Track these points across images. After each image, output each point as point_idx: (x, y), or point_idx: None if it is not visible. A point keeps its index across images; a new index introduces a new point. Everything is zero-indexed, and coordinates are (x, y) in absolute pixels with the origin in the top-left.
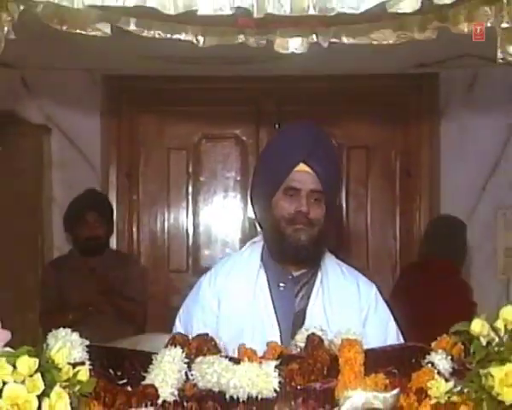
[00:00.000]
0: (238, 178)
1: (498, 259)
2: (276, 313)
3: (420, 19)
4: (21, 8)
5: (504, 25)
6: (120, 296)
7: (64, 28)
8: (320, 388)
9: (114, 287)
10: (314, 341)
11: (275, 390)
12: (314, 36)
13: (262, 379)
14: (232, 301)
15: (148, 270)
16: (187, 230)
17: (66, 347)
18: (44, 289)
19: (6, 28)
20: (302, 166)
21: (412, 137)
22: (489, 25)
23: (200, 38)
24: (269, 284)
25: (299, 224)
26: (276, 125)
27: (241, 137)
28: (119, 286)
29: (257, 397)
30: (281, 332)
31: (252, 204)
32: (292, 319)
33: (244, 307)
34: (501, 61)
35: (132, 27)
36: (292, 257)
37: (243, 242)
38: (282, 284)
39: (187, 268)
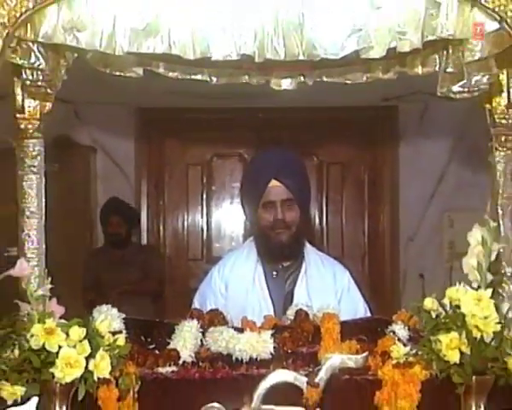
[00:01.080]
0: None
1: (444, 251)
2: (270, 294)
3: (384, 63)
4: (75, 55)
5: (449, 69)
6: (141, 278)
7: (107, 70)
8: (306, 351)
9: (137, 271)
10: (301, 315)
11: (271, 353)
12: (302, 77)
13: (260, 345)
14: (236, 285)
15: (164, 256)
16: (202, 227)
17: (108, 319)
18: (85, 272)
19: (63, 71)
20: (274, 182)
21: (377, 155)
22: (436, 69)
23: (214, 78)
24: (264, 273)
25: (279, 229)
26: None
27: (243, 156)
28: (141, 270)
29: (256, 358)
30: (274, 309)
31: (244, 212)
32: (283, 299)
33: (246, 290)
34: (441, 94)
35: (161, 70)
36: (277, 254)
37: (245, 236)
38: (274, 273)
39: (202, 257)
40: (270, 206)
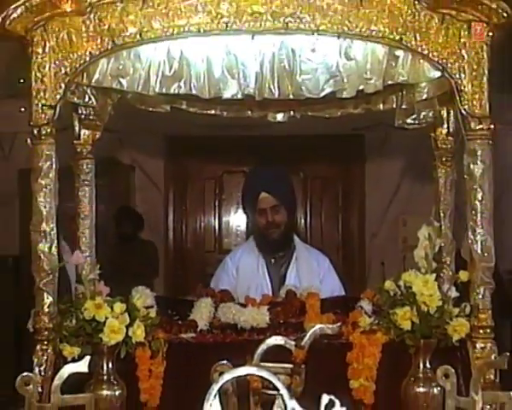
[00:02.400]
0: None
1: (399, 244)
2: (270, 276)
3: (354, 102)
4: (119, 95)
5: (404, 106)
6: (142, 263)
7: (143, 107)
8: (294, 322)
9: (140, 258)
10: (290, 293)
11: (267, 323)
12: (291, 111)
13: (259, 316)
14: (244, 270)
15: (158, 249)
16: (214, 227)
17: (142, 297)
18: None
19: (109, 108)
20: (263, 194)
21: (349, 172)
22: (394, 106)
23: (224, 113)
24: (265, 261)
25: (271, 229)
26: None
27: (246, 172)
28: (143, 257)
29: (256, 327)
30: (272, 287)
31: (246, 216)
32: (278, 280)
33: (251, 273)
34: (397, 125)
35: (183, 106)
36: (272, 248)
37: (247, 234)
38: (272, 260)
39: (214, 249)
40: (263, 212)
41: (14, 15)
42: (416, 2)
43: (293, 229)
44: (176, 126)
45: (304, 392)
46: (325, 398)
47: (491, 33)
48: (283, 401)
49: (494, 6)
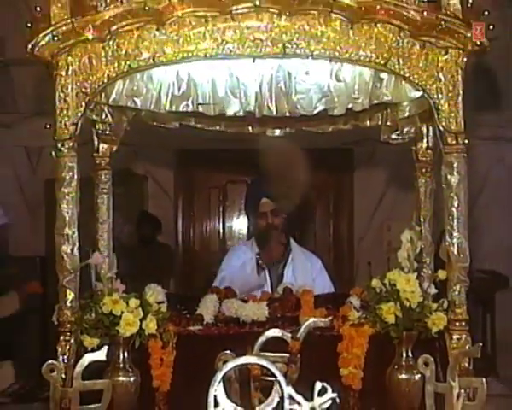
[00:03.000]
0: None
1: (384, 246)
2: (269, 274)
3: (344, 119)
4: (133, 113)
5: (388, 123)
6: (159, 264)
7: (155, 123)
8: (291, 316)
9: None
10: (287, 290)
11: (266, 317)
12: (288, 127)
13: (259, 311)
14: (244, 268)
15: (174, 250)
16: (219, 230)
17: (155, 293)
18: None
19: (124, 124)
20: (264, 200)
21: (339, 182)
22: (379, 123)
23: (227, 128)
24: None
25: (272, 230)
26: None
27: (248, 182)
28: (159, 259)
29: (256, 320)
30: (271, 284)
31: (248, 220)
32: (276, 277)
33: (250, 270)
34: (383, 140)
35: (191, 123)
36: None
37: (248, 236)
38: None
39: (219, 251)
40: (263, 215)
41: (42, 42)
42: (400, 31)
43: (290, 230)
44: (184, 141)
45: (299, 379)
46: (318, 385)
47: (465, 59)
48: (280, 386)
49: (469, 35)
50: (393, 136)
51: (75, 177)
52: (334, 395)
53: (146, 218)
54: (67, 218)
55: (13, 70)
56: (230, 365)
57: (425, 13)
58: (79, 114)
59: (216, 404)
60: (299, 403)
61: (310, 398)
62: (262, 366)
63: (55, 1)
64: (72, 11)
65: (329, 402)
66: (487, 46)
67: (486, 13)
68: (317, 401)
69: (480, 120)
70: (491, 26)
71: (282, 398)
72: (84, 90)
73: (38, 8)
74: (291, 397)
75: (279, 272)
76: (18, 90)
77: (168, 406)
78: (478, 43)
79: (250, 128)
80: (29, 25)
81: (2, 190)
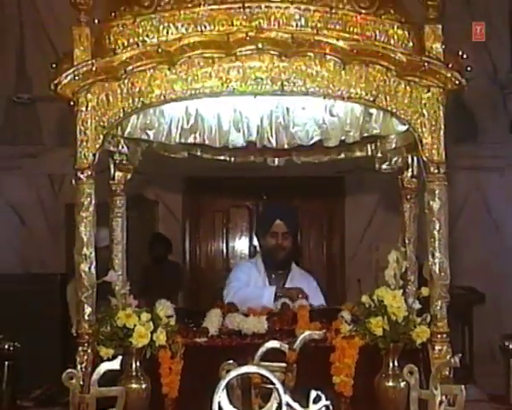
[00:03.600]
0: (247, 226)
1: (372, 265)
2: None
3: (337, 150)
4: (146, 144)
5: (379, 155)
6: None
7: (166, 153)
8: (288, 329)
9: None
10: (285, 306)
11: (265, 330)
12: (286, 157)
13: (259, 324)
14: (247, 285)
15: (183, 269)
16: (222, 250)
17: (164, 308)
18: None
19: (138, 154)
20: (278, 221)
21: (332, 206)
22: (369, 154)
23: (232, 158)
24: (267, 276)
25: (279, 250)
26: (264, 196)
27: (249, 206)
28: (170, 276)
29: (257, 333)
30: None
31: (257, 239)
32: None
33: (252, 286)
34: (376, 170)
35: (198, 153)
36: (276, 266)
37: (250, 256)
38: (273, 276)
39: (222, 269)
40: (275, 235)
41: (65, 81)
42: (387, 71)
43: (294, 255)
44: (192, 169)
45: (295, 386)
46: (313, 393)
47: (446, 97)
48: (279, 393)
49: (449, 75)
50: (384, 166)
51: (92, 202)
52: (328, 402)
53: (159, 239)
54: (85, 239)
55: (38, 106)
56: (233, 373)
57: (410, 55)
58: (98, 146)
59: (220, 409)
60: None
61: (305, 404)
62: (262, 375)
63: (78, 44)
64: (92, 53)
65: (323, 409)
66: (465, 85)
67: (465, 56)
68: (312, 407)
69: (459, 151)
70: (469, 68)
71: (279, 404)
72: (102, 124)
73: (63, 51)
74: (288, 404)
75: (280, 287)
76: (43, 123)
77: None
78: (457, 82)
79: (252, 158)
80: (54, 65)
81: (27, 213)
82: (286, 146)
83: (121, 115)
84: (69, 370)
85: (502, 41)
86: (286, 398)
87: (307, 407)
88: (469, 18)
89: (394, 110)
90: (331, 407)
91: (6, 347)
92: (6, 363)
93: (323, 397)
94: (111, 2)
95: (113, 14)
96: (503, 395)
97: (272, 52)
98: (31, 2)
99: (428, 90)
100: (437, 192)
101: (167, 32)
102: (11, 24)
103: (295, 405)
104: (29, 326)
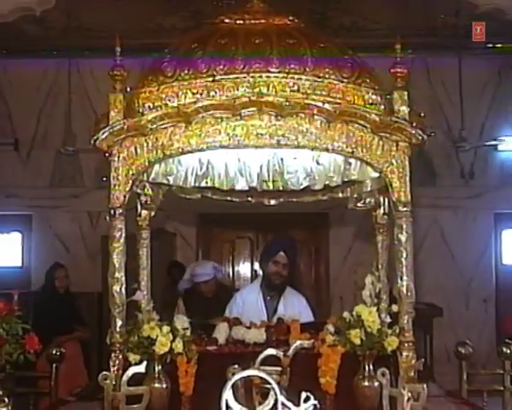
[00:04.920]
0: (249, 254)
1: (352, 286)
2: (266, 308)
3: (322, 191)
4: (166, 187)
5: (355, 195)
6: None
7: (183, 195)
8: (283, 339)
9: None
10: (280, 320)
11: (264, 340)
12: (281, 199)
13: (259, 335)
14: (248, 303)
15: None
16: (229, 273)
17: (181, 322)
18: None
19: (160, 195)
20: (281, 253)
21: (318, 237)
22: (348, 195)
23: (236, 199)
24: (264, 297)
25: (278, 276)
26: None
27: (250, 237)
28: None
29: (257, 342)
30: (268, 315)
31: (260, 266)
32: (272, 311)
33: (254, 305)
34: (350, 207)
35: (209, 194)
36: (273, 289)
37: (252, 278)
38: (268, 297)
39: (231, 289)
40: (277, 264)
41: (102, 137)
42: (364, 128)
43: (289, 281)
44: (204, 207)
45: (289, 386)
46: (303, 394)
47: (410, 149)
48: (275, 392)
49: (413, 132)
50: (359, 204)
51: (123, 235)
52: (316, 402)
53: (175, 265)
54: (117, 265)
55: (81, 156)
56: (237, 376)
57: (382, 116)
58: (127, 189)
59: (227, 405)
60: (289, 408)
61: (297, 402)
62: (261, 377)
63: (113, 107)
64: (124, 114)
65: (312, 407)
66: (425, 140)
67: (423, 115)
68: (303, 406)
69: (421, 193)
70: (432, 134)
71: (276, 401)
72: (131, 171)
73: (101, 113)
74: (283, 403)
75: (274, 305)
76: (84, 170)
77: (191, 406)
78: (419, 137)
79: (251, 198)
80: (93, 124)
81: (71, 243)
82: (281, 189)
83: (147, 164)
84: (104, 372)
85: (454, 105)
86: (281, 398)
87: (299, 405)
88: (429, 85)
89: (369, 160)
90: (318, 406)
91: (54, 352)
92: (54, 365)
93: (312, 397)
94: (141, 73)
95: (141, 83)
96: (457, 391)
97: (270, 113)
98: (77, 74)
99: (397, 144)
100: (404, 227)
101: (185, 97)
102: (62, 90)
103: (289, 404)
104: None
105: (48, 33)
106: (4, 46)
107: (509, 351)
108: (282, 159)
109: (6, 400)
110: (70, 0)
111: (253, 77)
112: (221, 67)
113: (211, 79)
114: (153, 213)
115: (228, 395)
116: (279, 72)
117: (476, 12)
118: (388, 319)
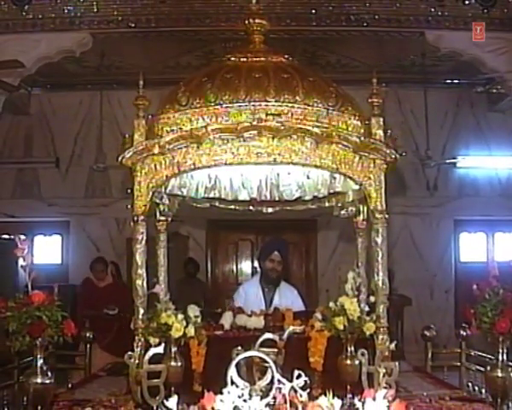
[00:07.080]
0: (250, 253)
1: (337, 280)
2: (264, 299)
3: (311, 201)
4: (181, 198)
5: (339, 204)
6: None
7: (194, 204)
8: (278, 325)
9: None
10: (276, 309)
11: (263, 326)
12: (277, 207)
13: (258, 322)
14: (249, 295)
15: (205, 283)
16: (233, 270)
17: (193, 311)
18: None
19: (176, 205)
20: (276, 252)
21: (308, 240)
22: (333, 204)
23: (239, 207)
24: (262, 289)
25: (273, 272)
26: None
27: (251, 240)
28: (198, 289)
29: (257, 328)
30: (266, 305)
31: (258, 263)
32: (269, 301)
33: (254, 296)
34: (335, 215)
35: (216, 204)
36: (270, 283)
37: (253, 274)
38: (266, 290)
39: (234, 283)
40: (272, 261)
41: (127, 156)
42: (346, 148)
43: (283, 276)
44: (212, 214)
45: (283, 365)
46: (296, 372)
47: (385, 166)
48: (272, 370)
49: (388, 151)
50: (342, 212)
51: (144, 238)
52: (306, 378)
53: (191, 261)
54: (139, 263)
55: (110, 171)
56: (240, 356)
57: (362, 138)
58: (148, 199)
59: (232, 380)
60: (283, 383)
61: (291, 378)
62: (260, 357)
63: (137, 130)
64: (146, 136)
65: (303, 383)
66: (398, 158)
67: (395, 138)
68: (295, 382)
69: (394, 202)
70: (403, 153)
71: (272, 377)
72: (151, 184)
73: (127, 135)
74: (278, 379)
75: (270, 297)
76: (112, 183)
77: (202, 381)
78: (393, 156)
79: (253, 207)
80: (121, 145)
81: (101, 244)
82: (277, 199)
83: (164, 179)
84: (129, 352)
85: (421, 129)
86: (277, 375)
87: (292, 381)
88: (400, 113)
89: (351, 175)
90: (308, 381)
91: (87, 334)
92: (87, 345)
93: (303, 374)
94: (160, 102)
95: (160, 110)
96: (422, 367)
97: (268, 135)
98: (108, 103)
99: (374, 162)
100: (380, 231)
101: (197, 122)
102: (94, 117)
103: (283, 380)
104: None
105: (84, 70)
106: (49, 82)
107: (465, 333)
108: (278, 174)
109: (49, 373)
110: (104, 43)
111: (253, 105)
112: (227, 97)
113: (218, 107)
114: (169, 220)
115: (232, 371)
116: (275, 101)
117: (438, 54)
118: (367, 308)
